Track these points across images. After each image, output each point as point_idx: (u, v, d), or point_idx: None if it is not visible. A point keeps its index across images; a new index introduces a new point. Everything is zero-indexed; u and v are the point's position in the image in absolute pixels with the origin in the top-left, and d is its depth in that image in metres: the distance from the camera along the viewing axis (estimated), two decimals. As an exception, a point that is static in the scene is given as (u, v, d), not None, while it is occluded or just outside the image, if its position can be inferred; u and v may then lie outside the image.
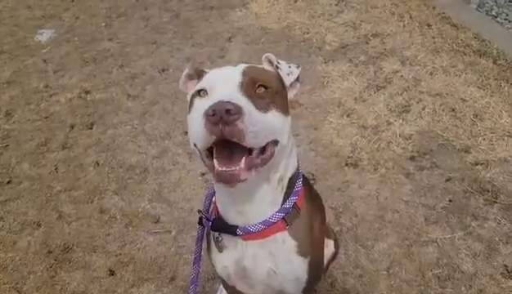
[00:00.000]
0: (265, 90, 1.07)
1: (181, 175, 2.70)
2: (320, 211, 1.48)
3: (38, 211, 2.59)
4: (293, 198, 1.22)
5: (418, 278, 2.05)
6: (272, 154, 1.07)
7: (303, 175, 1.34)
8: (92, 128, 3.10)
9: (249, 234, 1.20)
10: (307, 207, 1.29)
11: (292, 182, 1.23)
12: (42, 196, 2.67)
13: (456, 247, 2.15)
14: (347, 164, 2.61)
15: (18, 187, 2.75)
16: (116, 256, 2.32)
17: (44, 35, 4.23)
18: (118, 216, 2.50)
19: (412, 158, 2.59)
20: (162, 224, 2.44)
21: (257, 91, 1.06)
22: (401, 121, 2.83)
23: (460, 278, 2.03)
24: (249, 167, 1.00)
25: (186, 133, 2.95)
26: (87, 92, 3.43)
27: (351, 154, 2.66)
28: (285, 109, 1.13)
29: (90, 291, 2.18)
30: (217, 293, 2.06)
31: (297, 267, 1.28)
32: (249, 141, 0.96)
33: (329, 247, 1.77)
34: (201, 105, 1.03)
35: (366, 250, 2.19)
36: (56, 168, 2.84)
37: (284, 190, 1.21)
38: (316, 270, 1.39)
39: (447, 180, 2.45)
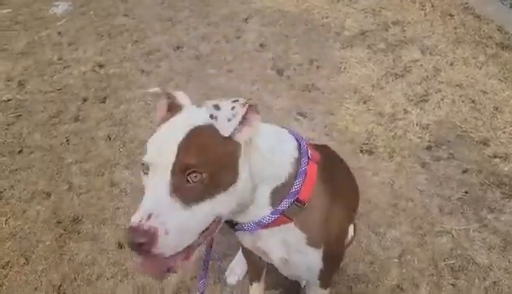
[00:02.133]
0: (200, 176, 0.97)
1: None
2: (343, 197, 1.35)
3: (48, 181, 2.57)
4: (288, 200, 1.13)
5: (430, 267, 2.02)
6: (215, 230, 1.07)
7: (324, 157, 1.25)
8: (104, 102, 3.07)
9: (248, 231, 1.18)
10: (319, 196, 1.19)
11: (280, 191, 1.14)
12: (52, 167, 2.65)
13: (471, 238, 2.11)
14: (362, 151, 2.57)
15: (29, 157, 2.73)
16: (125, 229, 2.30)
17: (60, 7, 4.20)
18: (128, 190, 2.48)
19: (429, 148, 2.54)
20: (172, 200, 2.41)
21: (190, 180, 0.97)
22: (418, 110, 2.78)
23: (473, 270, 1.99)
24: (185, 258, 1.03)
25: (200, 112, 2.94)
26: (100, 66, 3.40)
27: (366, 141, 2.62)
28: (230, 177, 1.03)
29: (98, 262, 2.17)
30: (225, 272, 2.05)
31: (310, 257, 1.24)
32: (172, 254, 0.97)
33: (349, 232, 1.72)
34: (145, 183, 1.03)
35: (378, 237, 2.16)
36: (67, 140, 2.82)
37: (268, 202, 1.14)
38: (334, 260, 1.34)
39: (464, 171, 2.40)
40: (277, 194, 1.13)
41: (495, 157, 2.46)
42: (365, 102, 2.88)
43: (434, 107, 2.78)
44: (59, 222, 2.36)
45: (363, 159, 2.52)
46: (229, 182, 1.02)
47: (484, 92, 2.83)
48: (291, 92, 3.04)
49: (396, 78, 3.03)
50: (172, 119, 1.09)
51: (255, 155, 1.08)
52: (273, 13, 3.82)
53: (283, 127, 1.25)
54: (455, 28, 3.42)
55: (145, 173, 1.03)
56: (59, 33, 3.83)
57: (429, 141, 2.58)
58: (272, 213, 1.12)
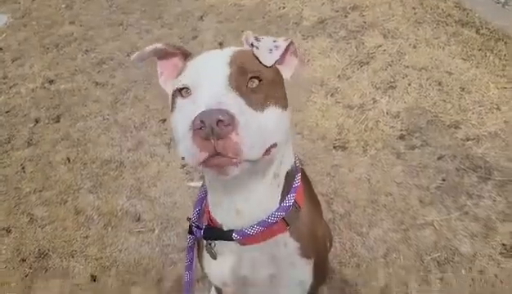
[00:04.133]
0: (259, 82, 0.91)
1: (160, 167, 2.53)
2: (319, 207, 1.35)
3: (6, 216, 2.39)
4: (292, 195, 1.06)
5: (417, 263, 1.98)
6: (269, 156, 0.93)
7: (302, 170, 1.20)
8: (58, 121, 2.87)
9: (247, 238, 1.05)
10: (307, 204, 1.14)
11: (289, 177, 1.07)
12: (10, 199, 2.46)
13: (453, 228, 2.08)
14: (334, 147, 2.50)
15: (-18, 191, 2.53)
16: (97, 259, 2.16)
17: (-2, 21, 3.91)
18: (95, 217, 2.33)
19: (402, 137, 2.50)
20: (144, 222, 2.28)
21: (249, 85, 0.91)
22: (387, 98, 2.73)
23: (459, 261, 1.97)
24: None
25: (163, 121, 2.79)
26: (50, 82, 3.19)
27: (338, 136, 2.55)
28: (283, 100, 0.97)
29: (71, 300, 2.03)
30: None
31: (301, 270, 1.16)
32: (247, 155, 0.81)
33: None
34: (185, 108, 0.90)
35: (361, 237, 2.10)
36: (22, 168, 2.62)
37: (281, 187, 1.05)
38: (322, 271, 1.28)
39: (439, 158, 2.37)
40: (288, 180, 1.06)
41: (467, 140, 2.44)
42: (332, 95, 2.80)
43: (402, 93, 2.74)
44: (23, 260, 2.20)
45: (337, 156, 2.45)
46: (283, 102, 0.96)
47: (449, 73, 2.81)
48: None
49: (361, 66, 2.97)
50: (207, 52, 1.01)
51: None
52: (229, 7, 3.68)
53: None
54: (413, 8, 3.38)
55: (183, 96, 0.93)
56: (0, 48, 3.56)
57: (401, 130, 2.53)
58: (278, 210, 1.03)
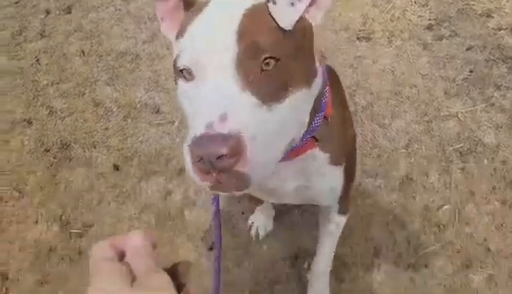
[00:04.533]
0: (276, 62, 0.69)
1: (177, 60, 2.46)
2: (347, 108, 1.24)
3: (26, 108, 2.39)
4: (320, 114, 0.91)
5: (439, 153, 1.97)
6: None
7: (332, 71, 1.09)
8: (70, 12, 2.75)
9: None
10: (336, 110, 1.02)
11: (318, 99, 0.89)
12: (27, 92, 2.45)
13: (478, 119, 2.04)
14: (358, 38, 2.38)
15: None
16: (118, 150, 2.18)
17: None
18: (114, 109, 2.32)
19: (429, 27, 2.36)
20: (163, 114, 2.27)
21: (264, 68, 0.69)
22: (416, -15, 2.54)
23: (482, 152, 1.95)
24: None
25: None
26: (57, -30, 3.01)
27: (362, 27, 2.42)
28: (309, 73, 0.77)
29: (96, 187, 2.08)
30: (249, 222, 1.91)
31: (332, 178, 1.10)
32: (256, 178, 0.67)
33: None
34: (190, 95, 0.74)
35: (383, 129, 2.08)
36: (37, 60, 2.57)
37: (309, 110, 0.88)
38: (353, 171, 1.23)
39: (468, 48, 2.26)
40: (317, 102, 0.88)
41: (499, 29, 2.30)
42: (356, -18, 2.61)
43: (433, -20, 2.54)
44: (46, 150, 2.23)
45: (360, 47, 2.34)
46: (310, 73, 0.76)
47: (486, -43, 2.58)
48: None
49: (389, -49, 2.73)
50: (211, 4, 0.78)
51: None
52: None
53: None
54: None
55: (186, 79, 0.74)
56: None
57: (430, 19, 2.39)
58: (307, 133, 0.88)
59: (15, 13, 2.80)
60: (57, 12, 2.76)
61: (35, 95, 2.43)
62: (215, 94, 0.67)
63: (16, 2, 2.85)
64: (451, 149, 1.98)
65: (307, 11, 0.74)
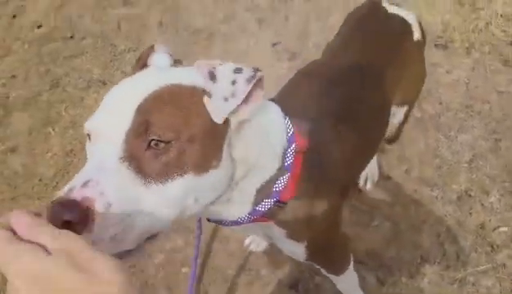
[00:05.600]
0: (165, 145, 0.68)
1: (249, 43, 2.52)
2: (334, 185, 1.07)
3: (102, 69, 2.52)
4: (269, 201, 0.88)
5: (503, 174, 1.91)
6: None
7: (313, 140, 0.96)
8: (154, -16, 2.88)
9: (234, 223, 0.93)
10: (301, 194, 0.94)
11: (267, 187, 0.87)
12: (106, 54, 2.58)
13: (551, 145, 1.96)
14: (436, 45, 2.33)
15: (81, 43, 2.66)
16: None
17: None
18: (183, 82, 2.41)
19: (513, 44, 2.28)
20: (229, 93, 2.33)
21: (152, 146, 0.68)
22: (505, -2, 2.45)
23: (550, 180, 1.87)
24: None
25: (256, -4, 2.71)
26: None
27: (441, 34, 2.36)
28: (212, 157, 0.74)
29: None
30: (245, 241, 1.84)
31: (294, 249, 1.05)
32: (116, 243, 0.64)
33: (396, 116, 1.51)
34: (88, 152, 0.74)
35: (447, 140, 2.03)
36: (118, 26, 2.70)
37: (252, 198, 0.87)
38: (324, 252, 1.13)
39: (552, 71, 2.16)
40: (262, 192, 0.87)
41: None
42: (441, -14, 2.55)
43: (524, -5, 2.44)
44: (118, 111, 2.35)
45: (437, 54, 2.30)
46: (208, 164, 0.73)
47: None
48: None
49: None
50: (136, 74, 0.81)
51: (250, 136, 0.80)
52: None
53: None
54: None
55: (89, 140, 0.74)
56: None
57: (514, 36, 2.30)
58: (250, 214, 0.88)
59: (103, -21, 2.95)
60: (142, -18, 2.89)
61: (112, 58, 2.56)
62: (92, 160, 0.68)
63: (106, -31, 3.01)
64: (518, 171, 1.91)
65: (236, 109, 0.73)
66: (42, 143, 2.22)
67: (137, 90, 0.72)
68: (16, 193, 2.05)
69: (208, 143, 0.73)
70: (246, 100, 0.73)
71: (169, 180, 0.69)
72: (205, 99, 0.73)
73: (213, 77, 0.73)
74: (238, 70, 0.73)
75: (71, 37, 2.69)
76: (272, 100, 1.00)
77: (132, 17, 2.71)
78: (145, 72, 0.82)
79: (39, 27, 2.69)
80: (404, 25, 1.43)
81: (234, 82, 0.72)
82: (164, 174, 0.69)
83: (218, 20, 2.62)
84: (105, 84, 2.46)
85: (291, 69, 2.36)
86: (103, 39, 2.65)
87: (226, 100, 0.72)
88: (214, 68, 0.74)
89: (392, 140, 1.65)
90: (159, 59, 0.86)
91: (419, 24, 1.50)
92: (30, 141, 2.23)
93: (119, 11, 2.77)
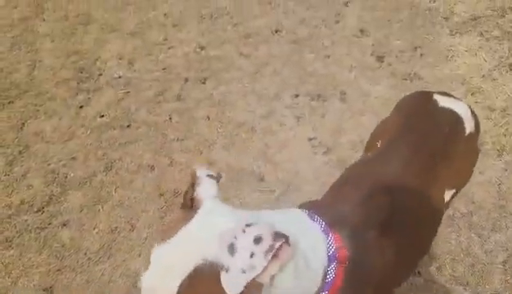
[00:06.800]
0: None
1: (287, 136, 2.70)
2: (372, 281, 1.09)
3: (152, 155, 2.76)
4: None
5: (540, 278, 1.87)
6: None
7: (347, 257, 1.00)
8: (204, 83, 3.19)
9: None
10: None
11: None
12: (156, 142, 2.83)
13: None
14: (467, 146, 2.41)
15: (136, 131, 2.94)
16: (221, 207, 2.40)
17: (166, -10, 4.40)
18: (224, 169, 2.58)
19: (545, 148, 2.33)
20: (266, 183, 2.48)
21: None
22: (535, 105, 2.54)
23: None
24: None
25: (296, 96, 2.95)
26: (202, 48, 3.53)
27: (473, 136, 2.45)
28: None
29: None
30: None
31: None
32: None
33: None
34: None
35: (480, 239, 2.04)
36: (170, 118, 2.98)
37: (317, 282, 0.94)
38: None
39: None
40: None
41: None
42: (473, 94, 2.69)
43: (554, 103, 2.53)
44: (161, 194, 2.53)
45: (468, 155, 2.37)
46: None
47: None
48: (391, 80, 2.93)
49: (510, 69, 2.79)
50: (180, 234, 0.87)
51: (288, 275, 0.87)
52: (375, -4, 3.68)
53: (300, 208, 1.05)
54: None
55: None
56: (165, 14, 4.03)
57: (546, 141, 2.36)
58: None
59: (161, 77, 3.31)
60: (194, 81, 3.21)
61: (162, 146, 2.80)
62: None
63: (164, 69, 3.38)
64: (555, 276, 1.86)
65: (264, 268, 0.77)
66: (91, 219, 2.40)
67: (180, 266, 0.80)
68: (62, 264, 2.19)
69: None
70: (275, 256, 0.77)
71: None
72: (222, 274, 0.77)
73: (232, 250, 0.77)
74: (258, 239, 0.77)
75: (128, 126, 2.99)
76: (314, 205, 1.06)
77: (182, 111, 2.99)
78: (186, 235, 0.86)
79: (102, 116, 3.01)
80: (455, 122, 1.39)
81: (253, 255, 0.76)
82: None
83: (259, 115, 2.85)
84: (152, 169, 2.68)
85: (326, 162, 2.51)
86: (156, 129, 2.93)
87: (244, 272, 0.75)
88: (233, 239, 0.78)
89: None
90: (206, 190, 0.95)
91: (472, 113, 1.45)
92: (80, 217, 2.42)
93: (172, 104, 3.07)
